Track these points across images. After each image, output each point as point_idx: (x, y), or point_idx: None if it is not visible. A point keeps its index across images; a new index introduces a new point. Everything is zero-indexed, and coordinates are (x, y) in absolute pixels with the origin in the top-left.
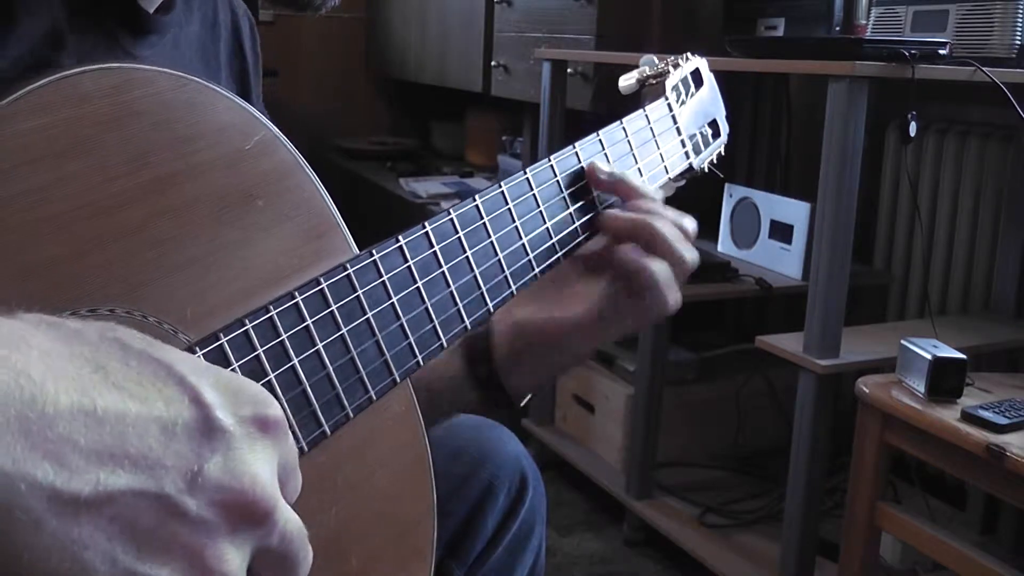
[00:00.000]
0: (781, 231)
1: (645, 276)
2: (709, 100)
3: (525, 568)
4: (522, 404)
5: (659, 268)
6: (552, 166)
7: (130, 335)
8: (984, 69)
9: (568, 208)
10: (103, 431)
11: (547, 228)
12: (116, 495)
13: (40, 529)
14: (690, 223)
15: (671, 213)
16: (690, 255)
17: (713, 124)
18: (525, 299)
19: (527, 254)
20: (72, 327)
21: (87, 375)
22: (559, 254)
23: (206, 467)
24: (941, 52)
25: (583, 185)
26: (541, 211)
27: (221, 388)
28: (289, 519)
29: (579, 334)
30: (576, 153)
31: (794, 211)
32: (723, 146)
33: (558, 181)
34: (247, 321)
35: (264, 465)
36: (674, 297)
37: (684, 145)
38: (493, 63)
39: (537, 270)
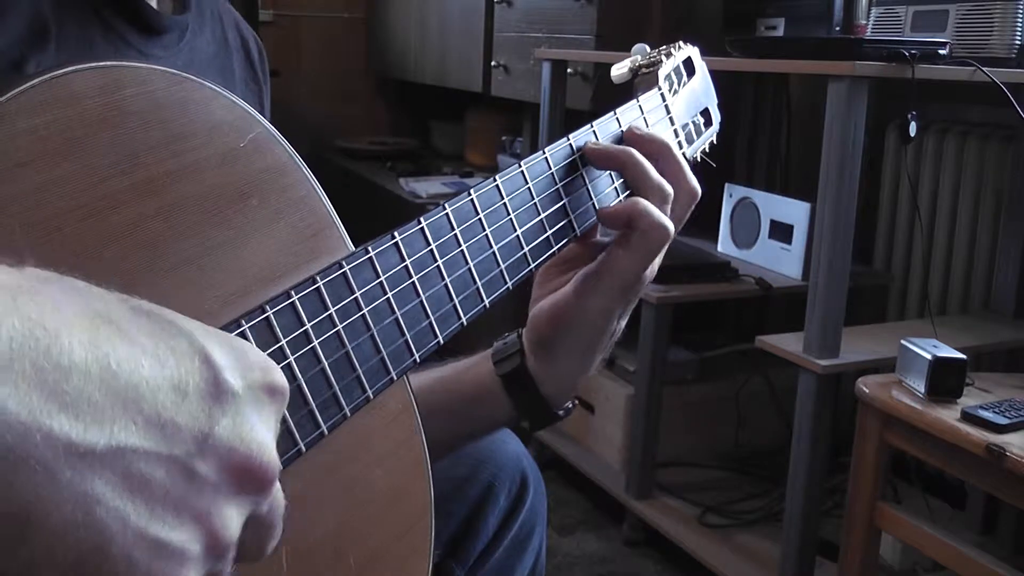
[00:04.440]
0: (781, 231)
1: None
2: (701, 89)
3: (525, 568)
4: (563, 412)
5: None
6: (547, 158)
7: (133, 297)
8: (984, 69)
9: (563, 200)
10: (117, 384)
11: (542, 221)
12: (128, 451)
13: (54, 480)
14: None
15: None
16: (665, 183)
17: (705, 113)
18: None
19: (522, 247)
20: (79, 282)
21: (100, 327)
22: (555, 248)
23: (216, 429)
24: (941, 52)
25: (577, 177)
26: (536, 204)
27: (229, 350)
28: (279, 489)
29: (589, 304)
30: (570, 144)
31: (794, 211)
32: (715, 135)
33: (552, 174)
34: (244, 321)
35: (268, 432)
36: (662, 224)
37: (677, 135)
38: (493, 63)
39: (532, 265)
